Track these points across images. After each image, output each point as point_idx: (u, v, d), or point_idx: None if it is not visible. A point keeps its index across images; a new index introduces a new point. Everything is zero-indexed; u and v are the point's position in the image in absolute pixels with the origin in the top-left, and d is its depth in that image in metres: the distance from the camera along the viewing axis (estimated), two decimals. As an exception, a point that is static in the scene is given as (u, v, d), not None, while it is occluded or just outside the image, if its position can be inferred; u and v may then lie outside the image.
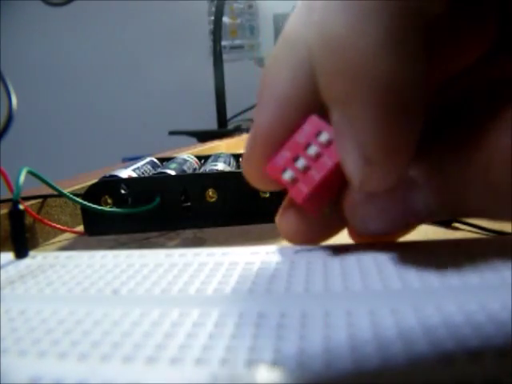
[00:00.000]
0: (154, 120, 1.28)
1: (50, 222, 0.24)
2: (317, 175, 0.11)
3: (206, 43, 1.15)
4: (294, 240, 0.13)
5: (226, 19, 1.18)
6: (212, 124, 1.25)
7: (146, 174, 0.27)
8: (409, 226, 0.12)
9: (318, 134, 0.11)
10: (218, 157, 0.32)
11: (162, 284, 0.11)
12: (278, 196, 0.14)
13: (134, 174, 0.26)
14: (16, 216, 0.13)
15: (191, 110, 1.15)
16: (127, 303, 0.10)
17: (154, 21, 1.14)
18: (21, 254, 0.13)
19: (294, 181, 0.11)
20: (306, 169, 0.11)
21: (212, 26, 1.15)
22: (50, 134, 1.53)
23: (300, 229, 0.13)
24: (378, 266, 0.11)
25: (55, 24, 1.17)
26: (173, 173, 0.26)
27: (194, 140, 1.09)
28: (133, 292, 0.11)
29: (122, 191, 0.24)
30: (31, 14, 1.15)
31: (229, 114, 1.18)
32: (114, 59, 1.18)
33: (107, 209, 0.24)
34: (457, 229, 0.17)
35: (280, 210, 0.13)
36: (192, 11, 1.11)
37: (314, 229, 0.13)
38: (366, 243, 0.13)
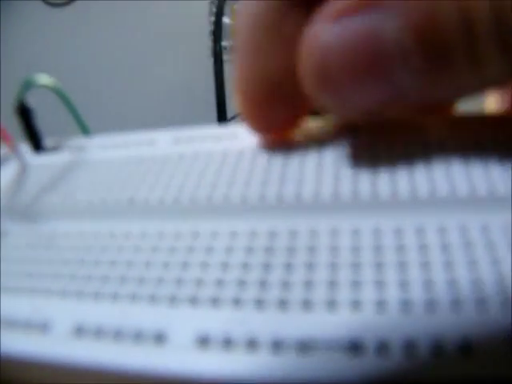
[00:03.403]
0: (154, 120, 1.28)
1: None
2: None
3: (206, 43, 1.15)
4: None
5: (226, 20, 1.19)
6: (212, 124, 1.24)
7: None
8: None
9: None
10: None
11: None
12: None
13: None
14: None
15: (191, 110, 1.16)
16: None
17: (155, 21, 1.15)
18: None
19: None
20: None
21: (212, 27, 1.15)
22: (50, 136, 1.53)
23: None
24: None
25: (56, 25, 1.18)
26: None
27: (194, 138, 1.09)
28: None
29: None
30: (31, 14, 1.16)
31: (229, 115, 1.18)
32: (113, 59, 1.18)
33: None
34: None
35: None
36: (192, 11, 1.12)
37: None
38: None
